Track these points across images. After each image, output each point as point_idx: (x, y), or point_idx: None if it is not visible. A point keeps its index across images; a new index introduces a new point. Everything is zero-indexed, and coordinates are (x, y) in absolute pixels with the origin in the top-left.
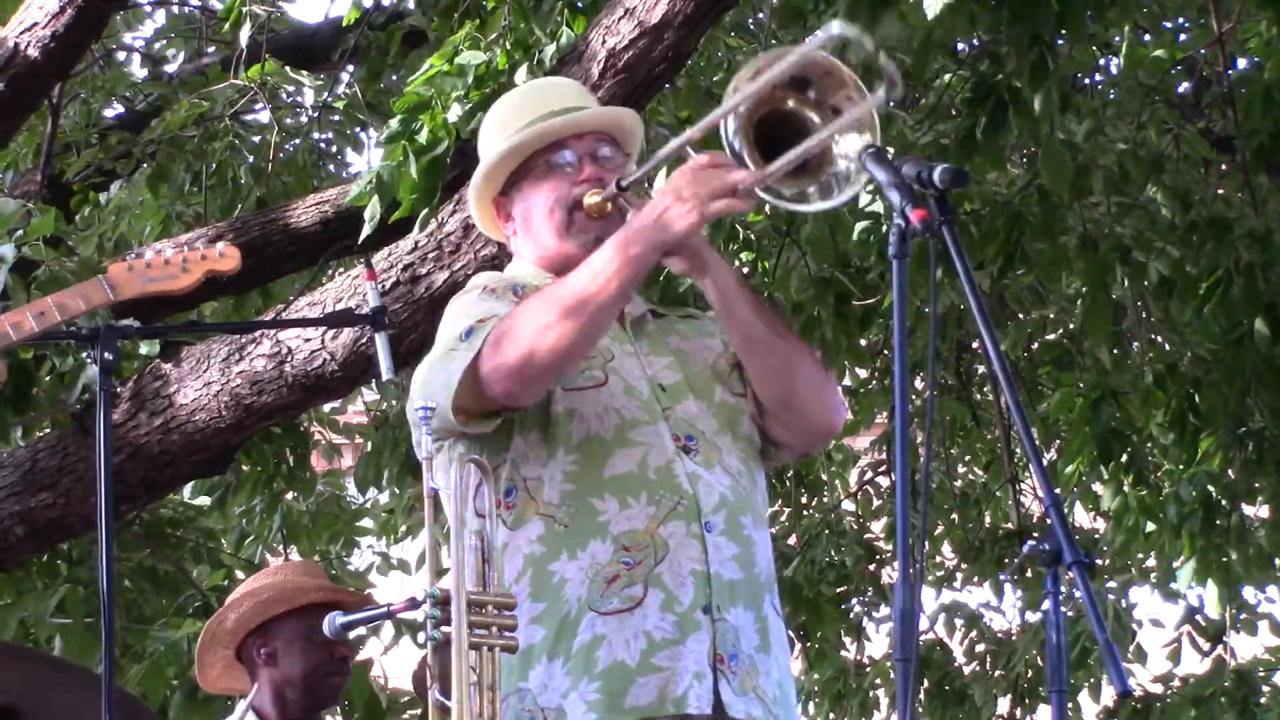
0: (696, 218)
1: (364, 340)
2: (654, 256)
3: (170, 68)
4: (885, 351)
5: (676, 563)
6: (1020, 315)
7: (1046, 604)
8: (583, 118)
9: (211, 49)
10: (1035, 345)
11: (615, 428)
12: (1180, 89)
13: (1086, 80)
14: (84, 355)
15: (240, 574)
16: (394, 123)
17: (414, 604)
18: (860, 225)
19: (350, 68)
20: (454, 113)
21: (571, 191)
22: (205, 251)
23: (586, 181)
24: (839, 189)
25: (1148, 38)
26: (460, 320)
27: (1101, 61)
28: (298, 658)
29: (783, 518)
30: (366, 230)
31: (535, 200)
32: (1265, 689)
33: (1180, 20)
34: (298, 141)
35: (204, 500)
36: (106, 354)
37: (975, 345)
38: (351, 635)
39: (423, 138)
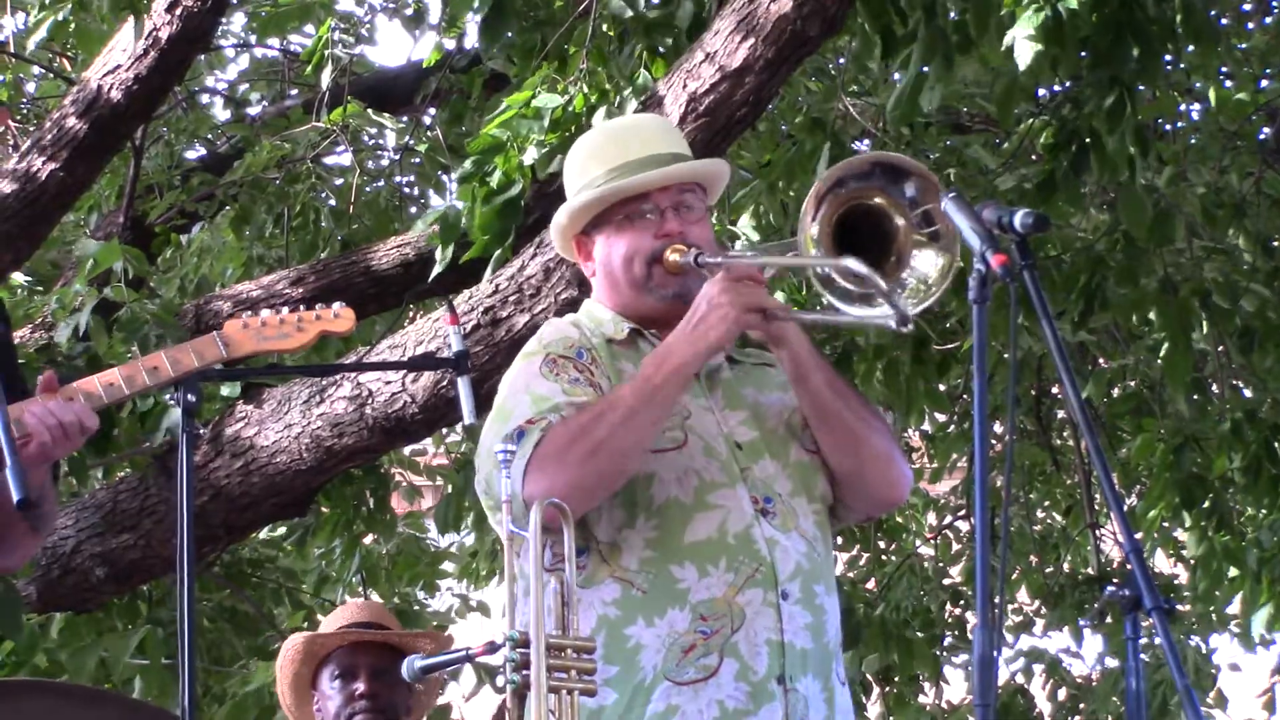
0: (733, 325)
1: (444, 383)
2: (695, 366)
3: (253, 110)
4: (964, 396)
5: (752, 631)
6: (1101, 362)
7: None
8: (670, 173)
9: (294, 92)
10: (1115, 391)
11: (694, 490)
12: (1262, 134)
13: (1168, 126)
14: (166, 397)
15: (320, 616)
16: (468, 164)
17: (493, 648)
18: None
19: (432, 110)
20: (530, 155)
21: (652, 245)
22: (320, 312)
23: (668, 235)
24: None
25: (1229, 83)
26: (520, 402)
27: (1183, 107)
28: (328, 705)
29: (861, 562)
30: (437, 269)
31: (615, 249)
32: None
33: (1265, 67)
34: (379, 184)
35: (281, 532)
36: (189, 396)
37: (1055, 390)
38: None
39: (495, 180)
